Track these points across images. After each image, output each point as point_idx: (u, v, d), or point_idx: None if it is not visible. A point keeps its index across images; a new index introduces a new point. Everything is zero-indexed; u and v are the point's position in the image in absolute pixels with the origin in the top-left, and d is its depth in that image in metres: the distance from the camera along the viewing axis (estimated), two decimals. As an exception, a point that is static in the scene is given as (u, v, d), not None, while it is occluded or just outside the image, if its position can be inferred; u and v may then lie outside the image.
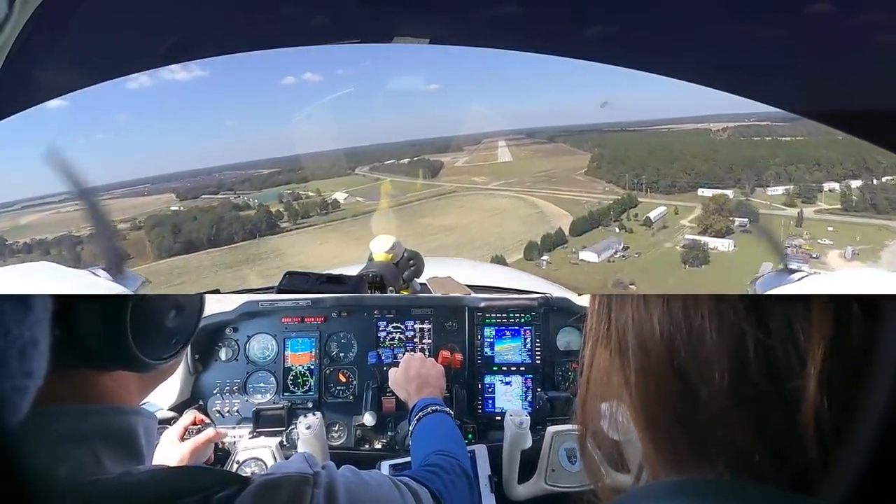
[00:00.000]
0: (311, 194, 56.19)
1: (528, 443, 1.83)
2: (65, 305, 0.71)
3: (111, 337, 0.74)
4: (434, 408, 1.50)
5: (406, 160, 64.13)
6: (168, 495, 0.67)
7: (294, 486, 0.74)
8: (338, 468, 0.86)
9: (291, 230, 50.98)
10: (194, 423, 1.78)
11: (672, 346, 0.51)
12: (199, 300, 0.91)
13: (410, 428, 1.50)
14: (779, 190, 48.22)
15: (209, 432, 1.75)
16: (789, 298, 0.49)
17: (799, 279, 1.14)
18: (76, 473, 0.65)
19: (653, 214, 46.99)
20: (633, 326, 0.55)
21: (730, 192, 47.44)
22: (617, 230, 45.93)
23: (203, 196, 57.13)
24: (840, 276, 1.03)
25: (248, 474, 1.82)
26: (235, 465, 1.79)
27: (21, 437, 0.63)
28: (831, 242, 39.23)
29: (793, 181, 48.28)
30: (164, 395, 1.99)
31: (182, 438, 1.68)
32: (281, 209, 52.66)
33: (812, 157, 49.05)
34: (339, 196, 55.21)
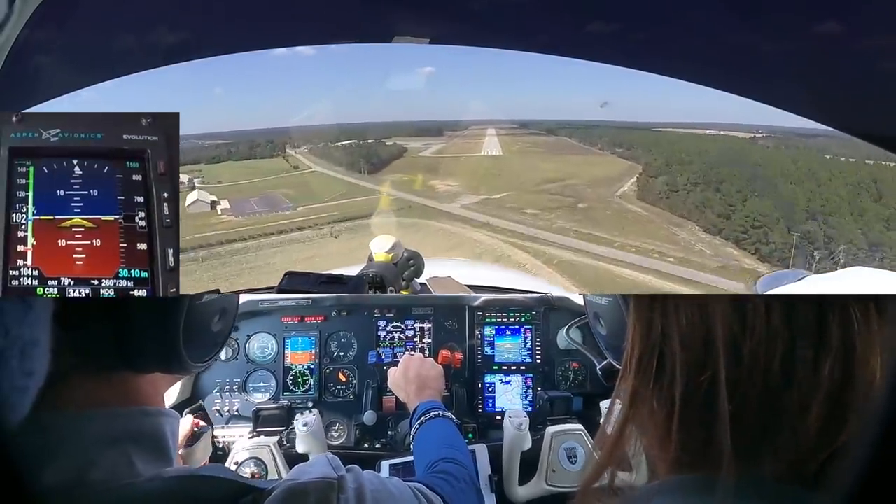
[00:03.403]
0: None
1: (528, 444, 1.83)
2: (115, 307, 0.72)
3: (163, 340, 0.74)
4: (436, 412, 1.50)
5: (357, 141, 42.92)
6: (195, 502, 0.68)
7: (320, 492, 0.74)
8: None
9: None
10: (196, 427, 1.77)
11: (716, 347, 0.51)
12: (235, 301, 0.91)
13: (412, 432, 1.50)
14: None
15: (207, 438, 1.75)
16: (797, 299, 0.49)
17: (799, 279, 1.14)
18: (110, 476, 0.66)
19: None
20: (678, 328, 0.54)
21: None
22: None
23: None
24: (840, 276, 1.02)
25: (248, 474, 1.82)
26: (234, 466, 1.79)
27: (55, 439, 0.65)
28: None
29: None
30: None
31: (186, 446, 1.68)
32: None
33: None
34: (190, 197, 33.58)
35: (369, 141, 42.88)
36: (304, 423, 1.78)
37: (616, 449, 0.60)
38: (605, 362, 1.39)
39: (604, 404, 1.85)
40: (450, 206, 29.25)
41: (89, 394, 0.70)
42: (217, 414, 2.15)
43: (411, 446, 1.51)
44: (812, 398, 0.47)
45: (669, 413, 0.54)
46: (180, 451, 1.67)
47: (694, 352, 0.52)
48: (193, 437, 1.72)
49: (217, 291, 1.07)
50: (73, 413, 0.67)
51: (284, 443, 1.94)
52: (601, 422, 0.68)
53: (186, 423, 1.79)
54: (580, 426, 1.92)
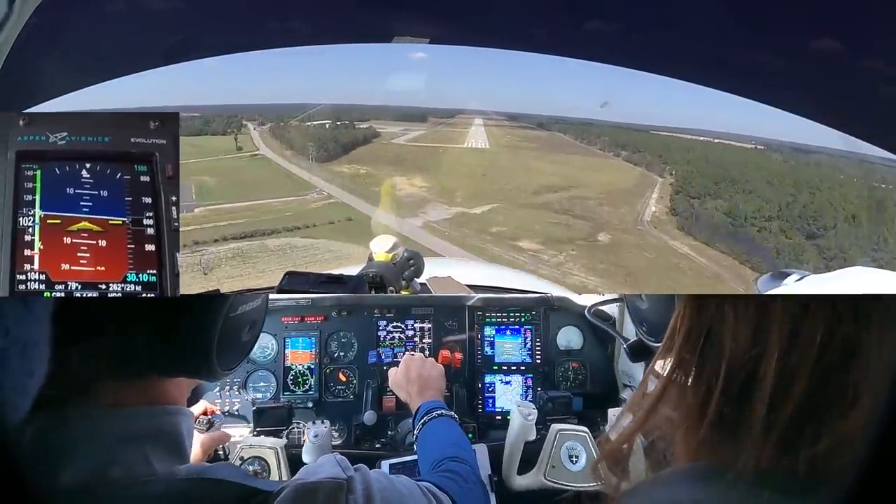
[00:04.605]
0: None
1: (533, 435, 1.83)
2: (152, 313, 0.72)
3: (197, 349, 0.75)
4: (439, 412, 1.50)
5: (330, 121, 33.90)
6: (207, 502, 0.69)
7: (329, 492, 0.75)
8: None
9: None
10: (204, 413, 1.75)
11: (771, 330, 0.51)
12: (264, 311, 0.91)
13: (415, 432, 1.50)
14: None
15: (219, 434, 1.73)
16: (868, 298, 0.49)
17: (798, 279, 1.15)
18: (129, 473, 0.67)
19: None
20: (734, 310, 0.54)
21: None
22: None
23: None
24: (840, 276, 1.03)
25: (251, 473, 1.81)
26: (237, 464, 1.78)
27: (80, 436, 0.66)
28: None
29: None
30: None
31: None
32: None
33: None
34: None
35: (339, 122, 34.42)
36: (315, 434, 1.77)
37: (653, 412, 0.59)
38: (633, 340, 1.38)
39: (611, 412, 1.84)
40: (408, 223, 18.91)
41: (118, 394, 0.71)
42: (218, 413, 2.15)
43: (415, 446, 1.51)
44: (858, 396, 0.47)
45: (710, 387, 0.54)
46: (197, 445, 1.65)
47: (748, 329, 0.52)
48: (205, 423, 1.69)
49: (217, 291, 1.07)
50: (100, 412, 0.69)
51: (289, 445, 1.94)
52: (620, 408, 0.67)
53: (199, 407, 1.75)
54: (585, 429, 1.92)
